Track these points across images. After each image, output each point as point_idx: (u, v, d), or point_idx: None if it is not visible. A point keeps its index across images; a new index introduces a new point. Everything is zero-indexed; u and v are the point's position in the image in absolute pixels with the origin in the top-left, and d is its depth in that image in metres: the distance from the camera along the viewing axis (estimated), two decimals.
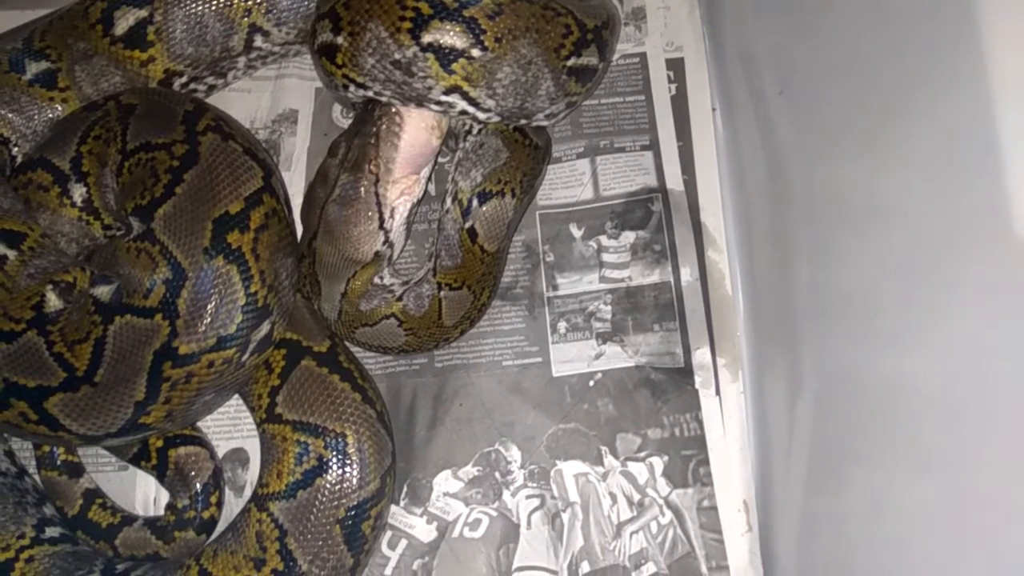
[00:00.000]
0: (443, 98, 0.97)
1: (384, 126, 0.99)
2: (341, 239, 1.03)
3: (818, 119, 1.02)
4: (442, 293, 1.08)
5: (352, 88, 0.99)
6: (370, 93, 0.98)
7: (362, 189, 1.00)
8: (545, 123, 1.06)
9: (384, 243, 1.04)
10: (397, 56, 0.93)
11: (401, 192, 1.03)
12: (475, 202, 1.06)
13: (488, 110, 0.99)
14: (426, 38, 0.92)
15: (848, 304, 0.96)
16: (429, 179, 1.10)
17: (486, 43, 0.93)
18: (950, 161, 0.74)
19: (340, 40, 0.95)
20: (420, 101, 0.98)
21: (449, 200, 1.08)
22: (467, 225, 1.06)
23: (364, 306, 1.08)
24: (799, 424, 1.07)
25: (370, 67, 0.95)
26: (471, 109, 0.99)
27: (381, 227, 1.03)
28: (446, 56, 0.93)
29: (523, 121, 1.03)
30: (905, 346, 0.84)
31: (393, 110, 1.00)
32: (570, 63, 0.99)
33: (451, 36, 0.92)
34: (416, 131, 1.01)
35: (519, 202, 1.09)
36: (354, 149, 1.01)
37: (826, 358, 1.02)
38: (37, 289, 0.95)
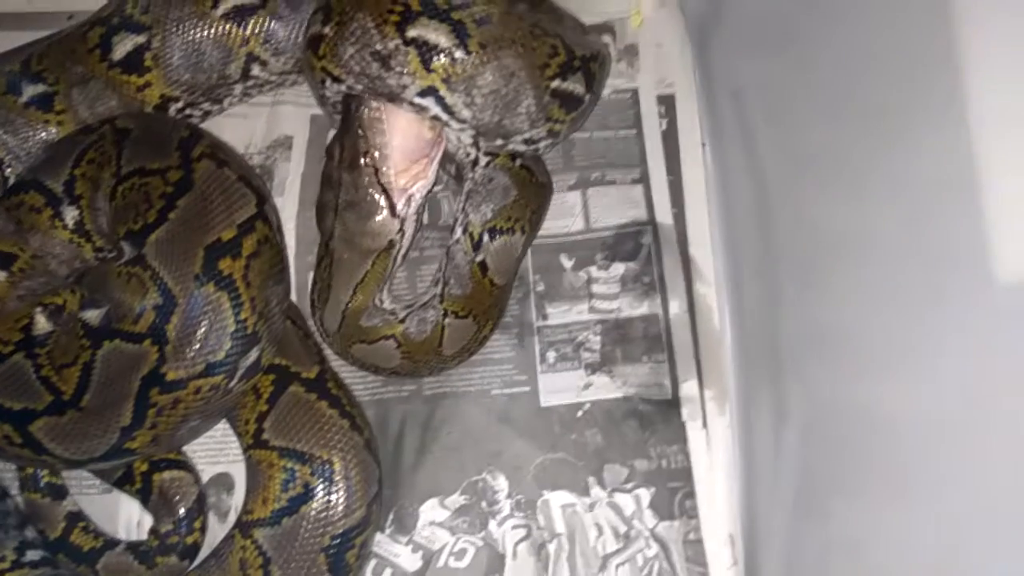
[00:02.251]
0: (417, 99, 0.97)
1: (365, 115, 1.00)
2: (356, 235, 1.04)
3: (805, 155, 1.04)
4: (447, 320, 1.09)
5: (328, 83, 0.99)
6: (343, 88, 0.99)
7: (364, 182, 1.01)
8: (523, 148, 1.07)
9: (398, 231, 1.04)
10: (378, 47, 0.94)
11: (414, 177, 1.03)
12: (486, 237, 1.08)
13: (463, 121, 0.99)
14: (411, 32, 0.93)
15: (833, 337, 0.97)
16: (441, 166, 1.09)
17: (470, 47, 0.94)
18: (933, 198, 0.76)
19: (327, 30, 0.96)
20: (392, 99, 0.98)
21: (460, 231, 1.10)
22: (478, 259, 1.08)
23: (365, 322, 1.09)
24: (785, 456, 1.07)
25: (348, 57, 0.96)
26: (444, 116, 0.99)
27: (394, 215, 1.03)
28: (428, 53, 0.94)
29: (499, 141, 1.04)
30: (888, 378, 0.85)
31: (369, 99, 1.00)
32: (554, 84, 1.00)
33: (436, 34, 0.93)
34: (411, 125, 1.01)
35: (527, 239, 1.11)
36: (347, 147, 1.01)
37: (811, 390, 1.02)
38: (26, 311, 0.95)
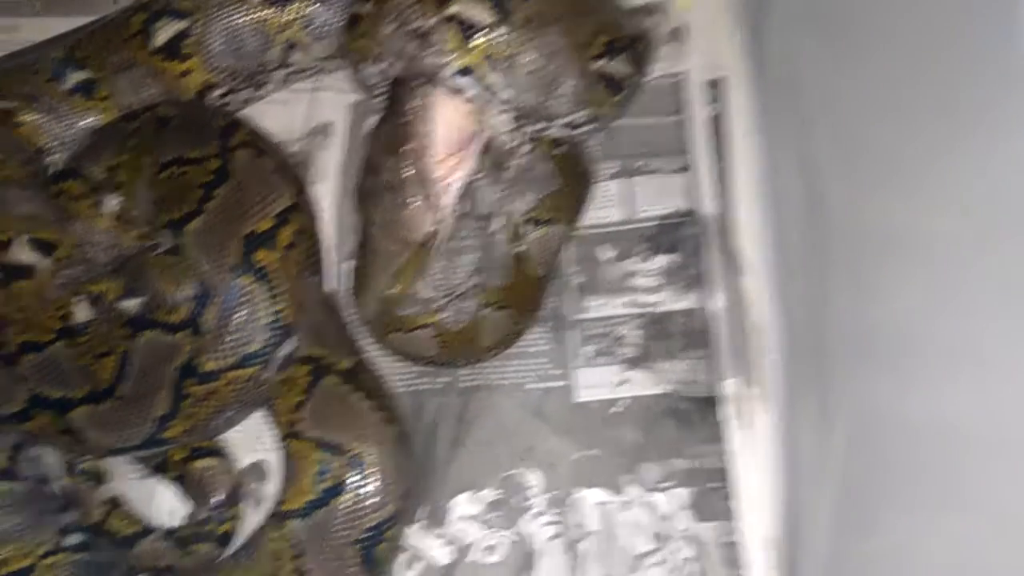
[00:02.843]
0: (456, 79, 0.96)
1: (416, 102, 0.98)
2: (395, 223, 1.02)
3: (863, 146, 0.99)
4: (485, 311, 1.07)
5: (367, 63, 0.98)
6: (382, 67, 0.98)
7: (408, 170, 1.00)
8: (564, 133, 1.04)
9: (437, 221, 1.03)
10: (417, 24, 0.93)
11: (452, 168, 1.02)
12: (527, 227, 1.06)
13: (503, 102, 0.97)
14: (451, 8, 0.92)
15: (886, 340, 0.93)
16: (480, 157, 1.07)
17: (512, 23, 0.92)
18: (1004, 199, 0.71)
19: (366, 8, 0.96)
20: (430, 79, 0.96)
21: (500, 220, 1.08)
22: (518, 249, 1.06)
23: (402, 311, 1.08)
24: (830, 461, 1.04)
25: (386, 36, 0.95)
26: (484, 96, 0.97)
27: (433, 204, 1.02)
28: (469, 29, 0.92)
29: (540, 125, 1.01)
30: (944, 387, 0.80)
31: (422, 86, 0.99)
32: (599, 65, 0.97)
33: (477, 10, 0.92)
34: (453, 113, 0.99)
35: (568, 229, 1.09)
36: (392, 132, 1.00)
37: (861, 393, 0.98)
38: (67, 299, 0.96)
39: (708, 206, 1.20)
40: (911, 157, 0.87)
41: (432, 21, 0.92)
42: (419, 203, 1.01)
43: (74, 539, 1.04)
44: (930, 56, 0.83)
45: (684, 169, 1.21)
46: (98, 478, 1.08)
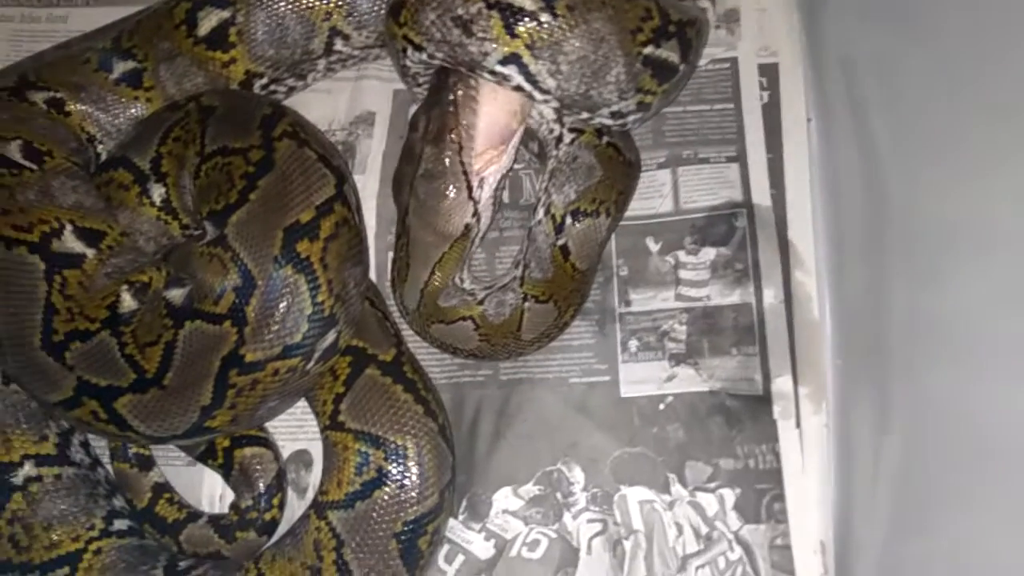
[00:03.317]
0: (498, 68, 0.93)
1: (461, 92, 0.97)
2: (431, 213, 1.02)
3: (925, 134, 0.95)
4: (527, 304, 1.06)
5: (410, 51, 0.97)
6: (424, 56, 0.96)
7: (447, 160, 0.99)
8: (610, 122, 1.01)
9: (473, 215, 1.02)
10: (460, 11, 0.91)
11: (488, 161, 1.01)
12: (569, 219, 1.04)
13: (547, 91, 0.95)
14: None
15: (949, 334, 0.89)
16: (523, 143, 1.07)
17: (557, 9, 0.90)
18: None
19: None
20: (472, 68, 0.94)
21: (542, 212, 1.06)
22: (560, 242, 1.05)
23: (443, 302, 1.07)
24: (886, 462, 1.00)
25: (428, 24, 0.93)
26: (528, 86, 0.95)
27: (470, 197, 1.01)
28: (512, 16, 0.90)
29: (585, 115, 0.99)
30: (1012, 382, 0.77)
31: (468, 77, 0.97)
32: (647, 51, 0.94)
33: None
34: (495, 107, 0.98)
35: (613, 222, 1.07)
36: (434, 120, 0.99)
37: (921, 392, 0.95)
38: (113, 289, 0.97)
39: (760, 197, 1.16)
40: (974, 144, 0.83)
41: (475, 8, 0.90)
42: (457, 195, 1.00)
43: (122, 524, 1.05)
44: (993, 40, 0.79)
45: (735, 158, 1.17)
46: (147, 464, 1.10)
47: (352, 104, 1.24)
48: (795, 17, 1.20)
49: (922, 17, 0.94)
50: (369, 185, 1.21)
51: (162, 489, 1.10)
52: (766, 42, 1.21)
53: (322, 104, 1.23)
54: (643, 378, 1.12)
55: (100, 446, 1.12)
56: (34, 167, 1.00)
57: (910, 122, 0.98)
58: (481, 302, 1.07)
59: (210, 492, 1.13)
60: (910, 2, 0.96)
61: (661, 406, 1.11)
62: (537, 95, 0.96)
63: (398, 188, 1.07)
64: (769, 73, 1.20)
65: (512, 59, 0.92)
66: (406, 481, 0.98)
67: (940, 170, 0.91)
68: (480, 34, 0.91)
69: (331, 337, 0.96)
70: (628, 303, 1.15)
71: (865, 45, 1.08)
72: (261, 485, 1.07)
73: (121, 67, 1.12)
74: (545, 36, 0.90)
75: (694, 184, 1.17)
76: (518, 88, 0.95)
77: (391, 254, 1.14)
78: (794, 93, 1.19)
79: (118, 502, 1.08)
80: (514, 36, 0.90)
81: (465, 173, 1.00)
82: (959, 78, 0.86)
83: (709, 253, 1.15)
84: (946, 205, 0.90)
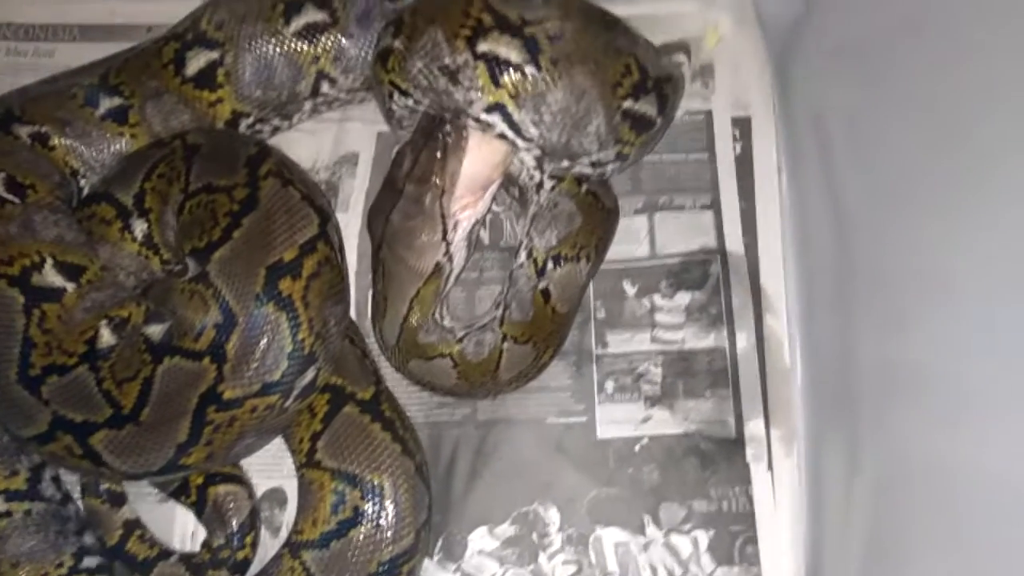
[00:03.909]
0: (483, 116, 0.96)
1: (451, 140, 1.00)
2: (404, 248, 1.03)
3: (891, 187, 0.99)
4: (505, 345, 1.07)
5: (396, 96, 0.99)
6: (410, 101, 0.98)
7: (427, 200, 1.00)
8: (589, 171, 1.04)
9: (445, 255, 1.04)
10: (447, 61, 0.93)
11: (464, 206, 1.03)
12: (550, 264, 1.06)
13: (530, 140, 0.97)
14: (482, 47, 0.92)
15: (917, 381, 0.92)
16: (494, 199, 1.10)
17: (542, 62, 0.92)
18: None
19: (397, 43, 0.96)
20: (457, 114, 0.97)
21: (524, 255, 1.08)
22: (541, 286, 1.06)
23: (423, 338, 1.08)
24: (856, 506, 1.02)
25: (416, 72, 0.95)
26: (511, 134, 0.97)
27: (444, 239, 1.03)
28: (498, 68, 0.92)
29: (565, 163, 1.01)
30: (979, 431, 0.79)
31: (460, 125, 0.99)
32: (626, 105, 0.97)
33: (508, 49, 0.92)
34: (479, 157, 1.00)
35: (593, 267, 1.09)
36: (421, 162, 1.01)
37: (890, 437, 0.97)
38: (92, 323, 0.97)
39: (733, 244, 1.19)
40: (939, 195, 0.87)
41: (462, 59, 0.93)
42: (431, 235, 1.02)
43: (91, 561, 1.04)
44: (958, 99, 0.83)
45: (709, 206, 1.20)
46: (118, 500, 1.08)
47: (336, 145, 1.26)
48: (767, 73, 1.25)
49: (889, 76, 0.98)
50: (351, 224, 1.22)
51: (133, 526, 1.08)
52: (739, 96, 1.25)
53: (306, 144, 1.25)
54: (619, 419, 1.13)
55: (71, 481, 1.10)
56: (16, 201, 1.01)
57: (877, 175, 1.02)
58: (460, 340, 1.08)
59: (182, 530, 1.12)
60: (877, 62, 1.00)
61: (637, 447, 1.12)
62: (520, 143, 0.98)
63: (374, 219, 1.09)
64: (742, 126, 1.24)
65: (496, 108, 0.94)
66: (382, 521, 0.98)
67: (906, 222, 0.94)
68: (466, 83, 0.94)
69: (310, 375, 0.96)
70: (605, 345, 1.17)
71: (834, 101, 1.12)
72: (234, 523, 1.06)
73: (107, 103, 1.12)
74: (529, 87, 0.93)
75: (670, 230, 1.20)
76: (501, 136, 0.97)
77: (371, 292, 1.15)
78: (766, 145, 1.22)
79: (88, 539, 1.06)
80: (499, 86, 0.93)
81: (442, 216, 1.02)
82: (924, 135, 0.90)
83: (684, 297, 1.17)
84: (912, 256, 0.92)
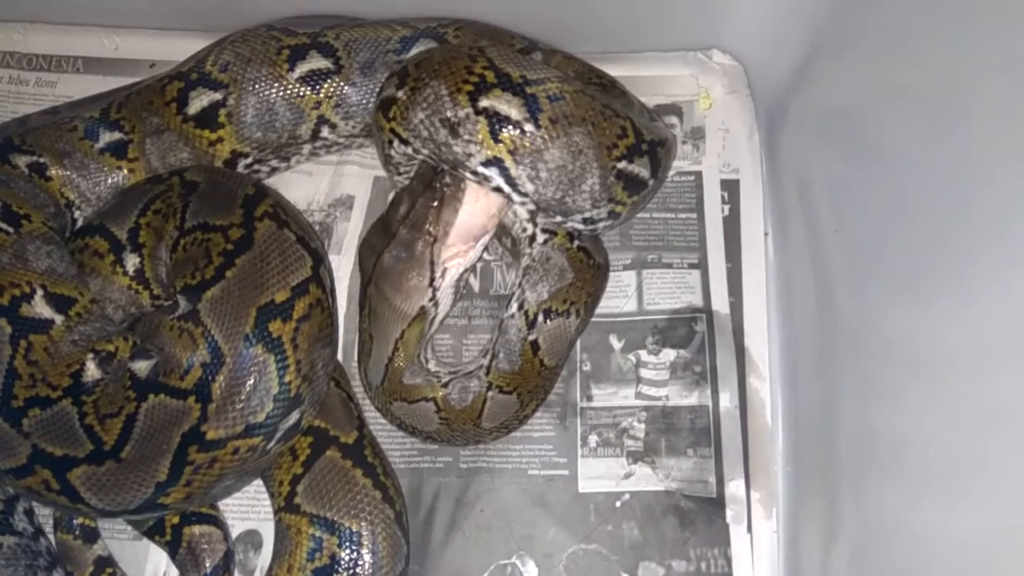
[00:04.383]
0: (480, 169, 0.97)
1: (449, 191, 1.02)
2: (391, 289, 1.04)
3: (874, 255, 1.00)
4: (490, 393, 1.08)
5: (396, 144, 1.01)
6: (409, 150, 1.01)
7: (418, 247, 1.02)
8: (581, 227, 1.06)
9: (431, 300, 1.05)
10: (448, 114, 0.95)
11: (455, 255, 1.05)
12: (541, 317, 1.07)
13: (525, 194, 0.99)
14: (483, 102, 0.94)
15: (895, 450, 0.92)
16: (485, 249, 1.12)
17: (541, 121, 0.95)
18: (1013, 320, 0.72)
19: (400, 94, 0.98)
20: (455, 166, 0.99)
21: (515, 307, 1.10)
22: (531, 337, 1.07)
23: (408, 379, 1.08)
24: (834, 572, 1.01)
25: (417, 122, 0.97)
26: (507, 188, 0.99)
27: (431, 284, 1.04)
28: (498, 123, 0.94)
29: (558, 218, 1.03)
30: (956, 501, 0.79)
31: (458, 177, 1.02)
32: (620, 165, 0.99)
33: (508, 106, 0.94)
34: (474, 209, 1.02)
35: (582, 322, 1.10)
36: (417, 208, 1.03)
37: (868, 504, 0.97)
38: (78, 357, 0.96)
39: (719, 304, 1.21)
40: (920, 266, 0.88)
41: (464, 113, 0.95)
42: (419, 280, 1.04)
43: None
44: (940, 170, 0.85)
45: (696, 265, 1.22)
46: (91, 536, 1.06)
47: (332, 187, 1.27)
48: (756, 138, 1.28)
49: (873, 146, 1.00)
50: (343, 266, 1.23)
51: (105, 563, 1.06)
52: (728, 159, 1.28)
53: (303, 185, 1.26)
54: (601, 474, 1.13)
55: (44, 515, 1.09)
56: (11, 230, 1.01)
57: (861, 243, 1.04)
58: (445, 385, 1.09)
59: (155, 569, 1.10)
60: (863, 132, 1.02)
61: (618, 503, 1.12)
62: (515, 197, 1.00)
63: (366, 256, 1.10)
64: (731, 188, 1.27)
65: (494, 162, 0.96)
66: (359, 570, 0.97)
67: (888, 291, 0.95)
68: (466, 136, 0.96)
69: (295, 417, 0.96)
70: (590, 398, 1.17)
71: (820, 168, 1.15)
72: (208, 565, 1.04)
73: (107, 137, 1.13)
74: (528, 144, 0.95)
75: (657, 287, 1.22)
76: (497, 189, 0.99)
77: (358, 329, 1.15)
78: (753, 208, 1.25)
79: (58, 575, 1.04)
80: (498, 141, 0.95)
81: (431, 263, 1.03)
82: (908, 204, 0.91)
83: (669, 354, 1.18)
84: (893, 326, 0.94)
